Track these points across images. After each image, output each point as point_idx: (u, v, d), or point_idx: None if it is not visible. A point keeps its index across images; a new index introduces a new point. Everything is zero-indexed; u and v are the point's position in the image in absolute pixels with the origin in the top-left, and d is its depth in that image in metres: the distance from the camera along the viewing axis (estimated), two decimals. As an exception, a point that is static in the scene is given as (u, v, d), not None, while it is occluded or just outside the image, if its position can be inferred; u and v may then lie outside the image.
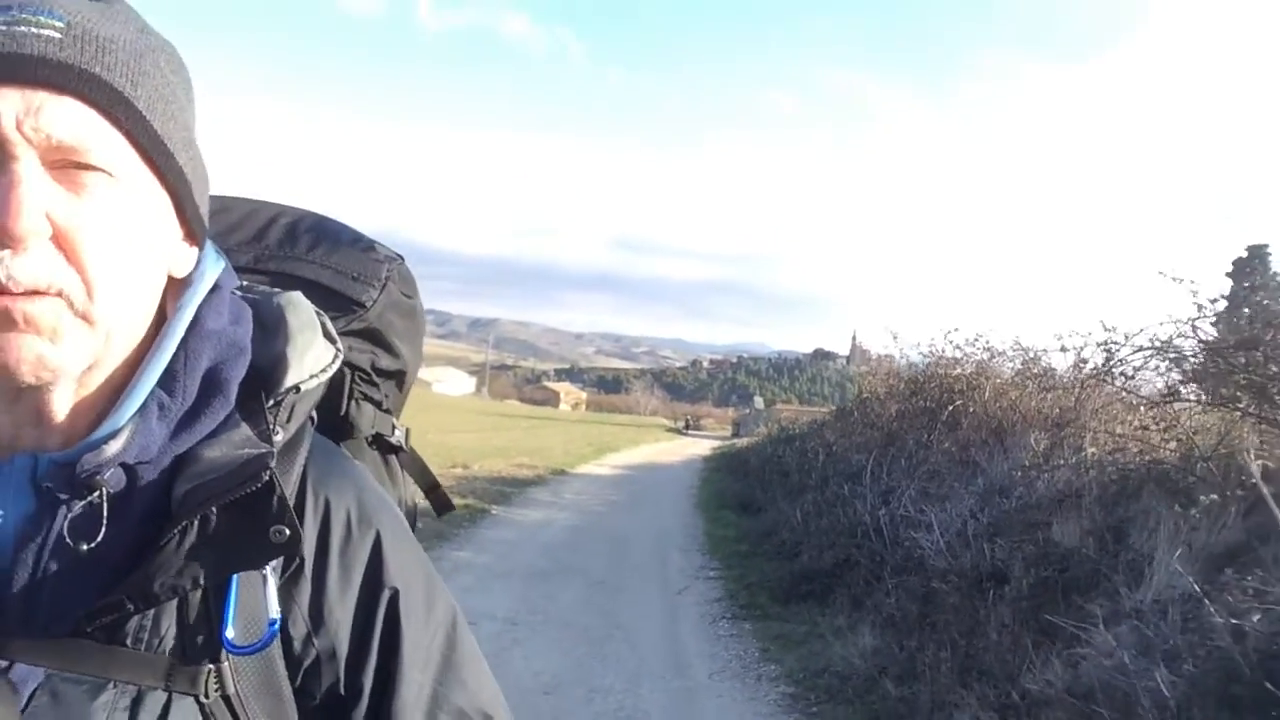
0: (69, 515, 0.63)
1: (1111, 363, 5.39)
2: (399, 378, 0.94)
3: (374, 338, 0.89)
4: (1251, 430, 4.25)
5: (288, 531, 0.64)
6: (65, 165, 0.60)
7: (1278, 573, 3.11)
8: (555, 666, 5.27)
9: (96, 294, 0.60)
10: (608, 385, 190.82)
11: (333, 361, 0.75)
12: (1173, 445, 4.65)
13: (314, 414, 0.76)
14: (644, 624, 6.59)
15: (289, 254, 0.88)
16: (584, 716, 4.57)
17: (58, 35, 0.59)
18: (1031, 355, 7.95)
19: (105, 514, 0.63)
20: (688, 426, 62.92)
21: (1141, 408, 5.00)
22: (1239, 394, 4.34)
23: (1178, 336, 4.64)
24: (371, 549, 0.71)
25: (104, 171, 0.61)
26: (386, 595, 0.71)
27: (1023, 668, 4.02)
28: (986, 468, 7.13)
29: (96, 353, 0.62)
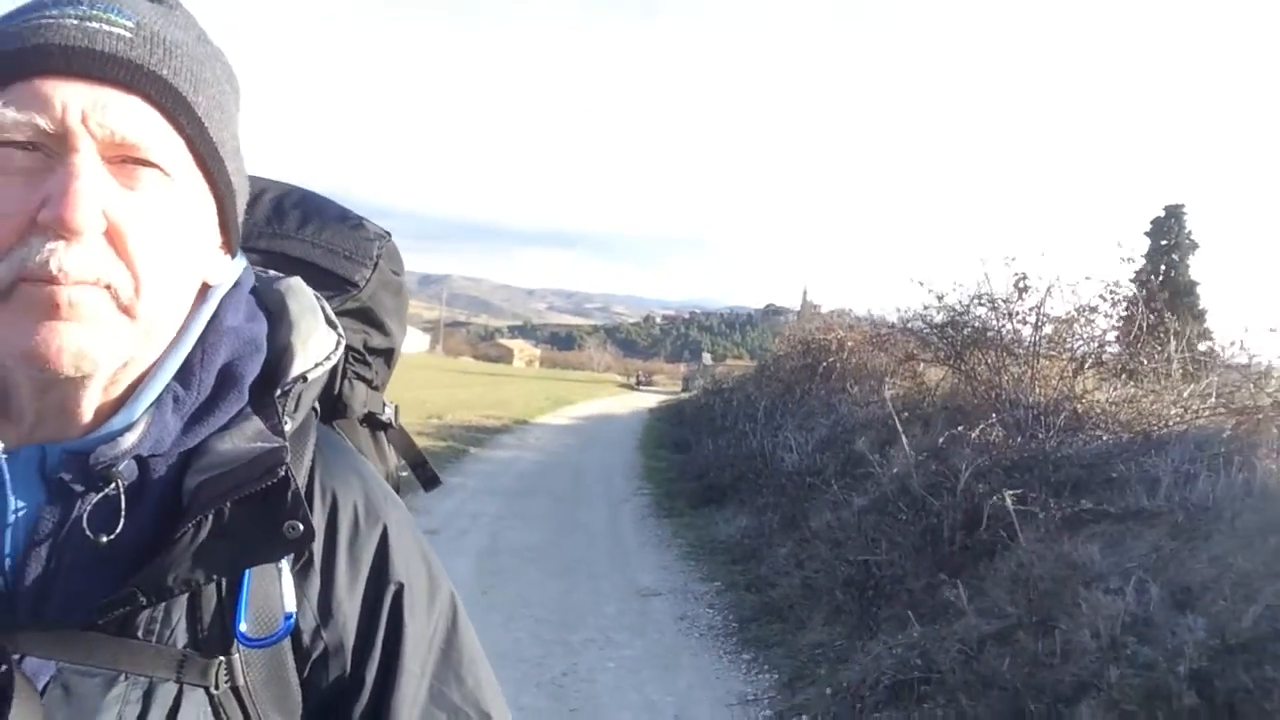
0: (87, 507, 0.63)
1: (893, 331, 8.21)
2: (388, 355, 0.94)
3: (366, 317, 0.89)
4: (953, 374, 7.04)
5: (301, 527, 0.65)
6: (123, 160, 0.61)
7: (928, 452, 5.90)
8: (536, 540, 8.01)
9: (143, 290, 0.61)
10: (561, 342, 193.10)
11: (336, 348, 0.76)
12: (919, 387, 7.47)
13: (316, 404, 0.77)
14: (594, 520, 9.36)
15: (278, 231, 0.87)
16: (558, 556, 7.34)
17: (128, 34, 0.61)
18: (876, 322, 10.78)
19: (123, 506, 0.63)
20: (639, 382, 65.65)
21: (909, 363, 7.82)
22: (945, 355, 7.13)
23: (913, 319, 7.43)
24: (378, 543, 0.73)
25: (159, 169, 0.62)
26: (392, 590, 0.72)
27: (814, 520, 6.84)
28: (838, 407, 9.98)
29: (134, 349, 0.63)
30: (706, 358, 72.55)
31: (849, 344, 10.94)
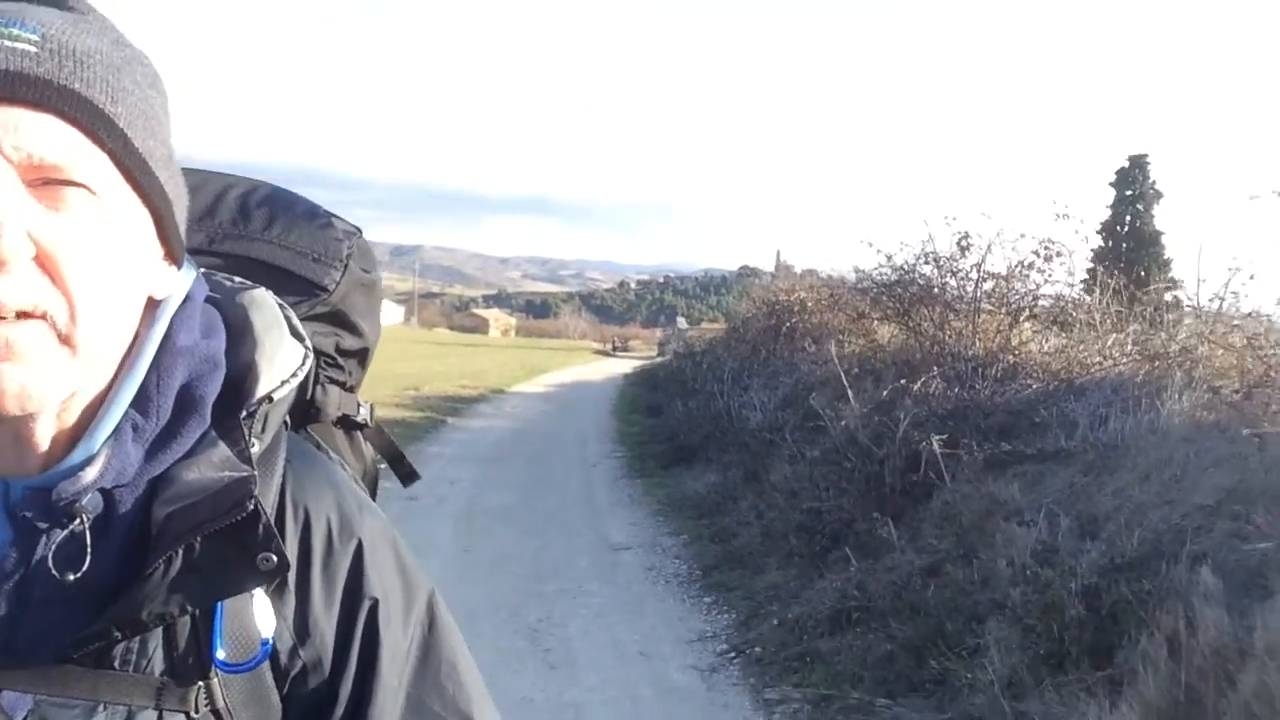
0: (52, 545, 0.63)
1: (846, 290, 8.58)
2: (362, 355, 0.93)
3: (338, 320, 0.87)
4: (901, 331, 7.43)
5: (275, 559, 0.64)
6: (45, 182, 0.59)
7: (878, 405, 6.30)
8: (512, 500, 8.38)
9: (80, 315, 0.59)
10: (536, 310, 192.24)
11: (303, 363, 0.74)
12: (872, 344, 7.87)
13: (287, 416, 0.76)
14: (568, 481, 9.75)
15: (244, 232, 0.85)
16: (533, 517, 7.73)
17: (33, 49, 0.58)
18: (832, 282, 11.14)
19: (89, 543, 0.63)
20: (615, 348, 65.79)
21: (862, 321, 8.21)
22: (895, 312, 7.52)
23: (863, 280, 7.80)
24: (353, 559, 0.72)
25: (85, 188, 0.60)
26: (367, 605, 0.72)
27: (774, 473, 7.24)
28: (800, 366, 10.37)
29: (79, 380, 0.62)
30: (681, 321, 72.75)
31: (809, 304, 11.33)
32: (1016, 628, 3.45)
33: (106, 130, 0.61)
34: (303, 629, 0.69)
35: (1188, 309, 6.00)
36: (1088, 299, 6.56)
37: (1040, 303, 6.76)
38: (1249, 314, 5.40)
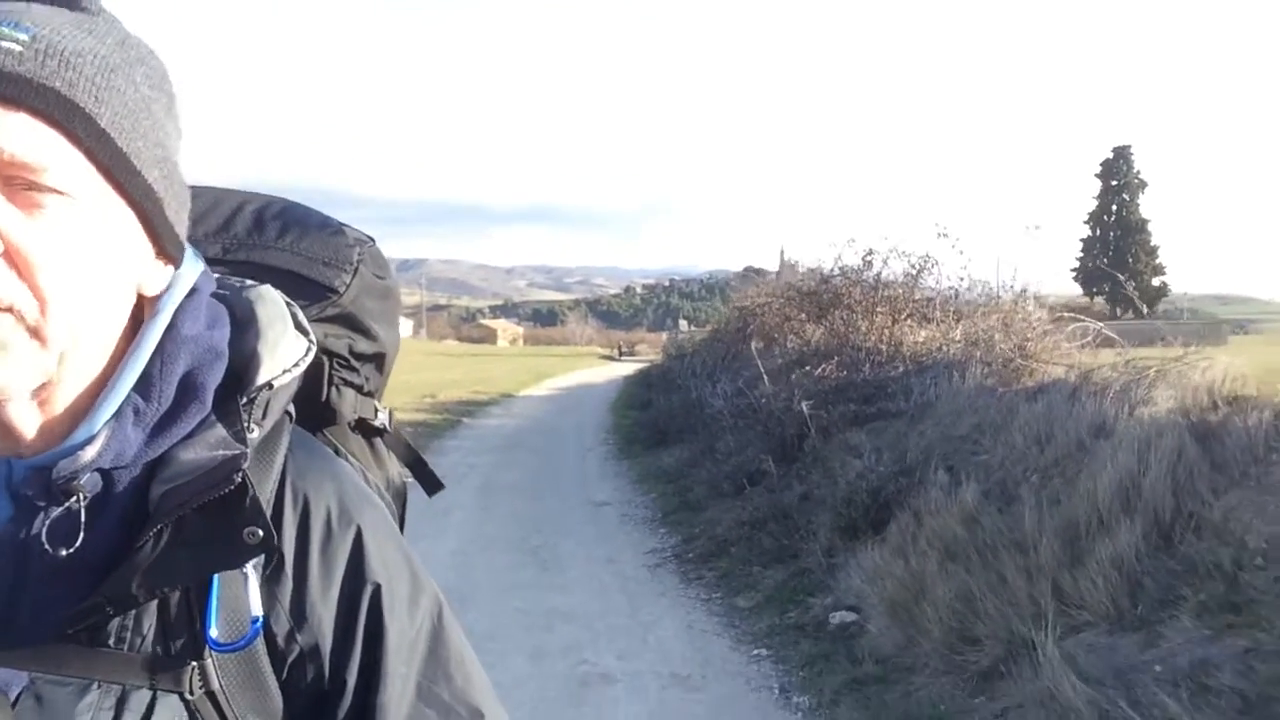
0: (47, 521, 0.64)
1: (778, 299, 10.64)
2: (378, 360, 0.94)
3: (350, 322, 0.89)
4: (818, 328, 9.48)
5: (261, 533, 0.66)
6: (19, 184, 0.60)
7: (790, 384, 8.32)
8: (520, 477, 10.46)
9: (50, 311, 0.61)
10: (543, 318, 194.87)
11: (305, 354, 0.75)
12: (803, 339, 9.92)
13: (292, 408, 0.77)
14: (566, 462, 11.83)
15: (258, 242, 0.88)
16: (536, 487, 9.81)
17: (18, 49, 0.59)
18: (771, 291, 13.20)
19: (83, 520, 0.64)
20: (622, 353, 67.73)
21: (791, 322, 10.28)
22: (816, 314, 9.54)
23: (789, 290, 9.81)
24: (353, 544, 0.73)
25: (58, 192, 0.61)
26: (369, 590, 0.72)
27: (720, 444, 9.29)
28: (757, 361, 12.41)
29: (48, 372, 0.63)
30: (683, 324, 74.62)
31: (764, 308, 13.41)
32: (831, 512, 5.48)
33: (85, 129, 0.62)
34: (299, 613, 0.70)
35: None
36: (944, 294, 8.60)
37: (915, 303, 8.78)
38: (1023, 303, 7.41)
